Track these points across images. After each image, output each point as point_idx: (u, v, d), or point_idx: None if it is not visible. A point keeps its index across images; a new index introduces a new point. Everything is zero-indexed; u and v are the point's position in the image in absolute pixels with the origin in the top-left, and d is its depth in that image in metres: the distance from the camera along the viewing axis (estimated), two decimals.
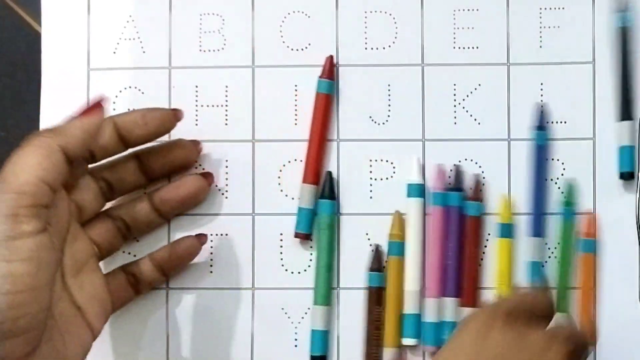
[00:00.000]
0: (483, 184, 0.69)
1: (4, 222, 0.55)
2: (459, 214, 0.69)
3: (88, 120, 0.60)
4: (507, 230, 0.69)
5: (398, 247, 0.69)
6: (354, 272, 0.69)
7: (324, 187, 0.69)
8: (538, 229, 0.69)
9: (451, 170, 0.69)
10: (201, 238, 0.68)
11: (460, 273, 0.69)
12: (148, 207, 0.67)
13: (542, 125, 0.69)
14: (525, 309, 0.58)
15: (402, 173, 0.69)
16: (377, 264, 0.69)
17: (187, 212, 0.70)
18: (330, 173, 0.70)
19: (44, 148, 0.57)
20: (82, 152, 0.59)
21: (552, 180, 0.69)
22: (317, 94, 0.69)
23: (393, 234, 0.69)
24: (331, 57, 0.69)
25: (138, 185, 0.68)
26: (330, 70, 0.69)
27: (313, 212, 0.69)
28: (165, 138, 0.70)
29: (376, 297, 0.69)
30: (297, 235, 0.69)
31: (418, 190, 0.69)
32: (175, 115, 0.67)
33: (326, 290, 0.69)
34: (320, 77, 0.69)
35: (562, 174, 0.69)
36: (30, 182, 0.56)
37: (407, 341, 0.69)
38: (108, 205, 0.67)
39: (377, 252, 0.69)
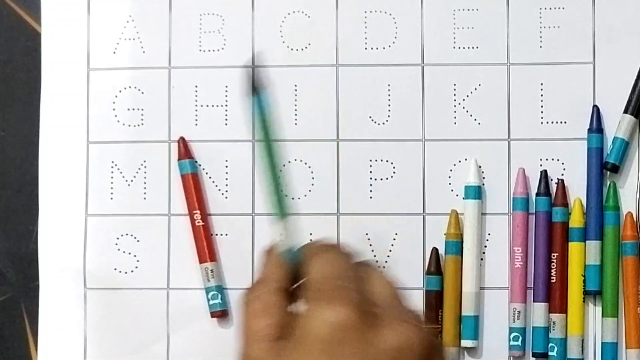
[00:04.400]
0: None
1: None
2: (545, 220, 0.68)
3: None
4: (579, 235, 0.68)
5: (455, 246, 0.68)
6: None
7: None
8: (597, 232, 0.68)
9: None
10: None
11: (548, 278, 0.68)
12: None
13: (598, 128, 0.68)
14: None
15: (401, 173, 0.70)
16: (435, 267, 0.68)
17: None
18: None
19: None
20: None
21: (552, 180, 0.69)
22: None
23: (450, 233, 0.68)
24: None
25: None
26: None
27: None
28: (165, 138, 0.70)
29: (434, 300, 0.68)
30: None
31: (475, 192, 0.68)
32: None
33: None
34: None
35: (562, 174, 0.69)
36: None
37: (466, 343, 0.68)
38: None
39: (435, 255, 0.68)
